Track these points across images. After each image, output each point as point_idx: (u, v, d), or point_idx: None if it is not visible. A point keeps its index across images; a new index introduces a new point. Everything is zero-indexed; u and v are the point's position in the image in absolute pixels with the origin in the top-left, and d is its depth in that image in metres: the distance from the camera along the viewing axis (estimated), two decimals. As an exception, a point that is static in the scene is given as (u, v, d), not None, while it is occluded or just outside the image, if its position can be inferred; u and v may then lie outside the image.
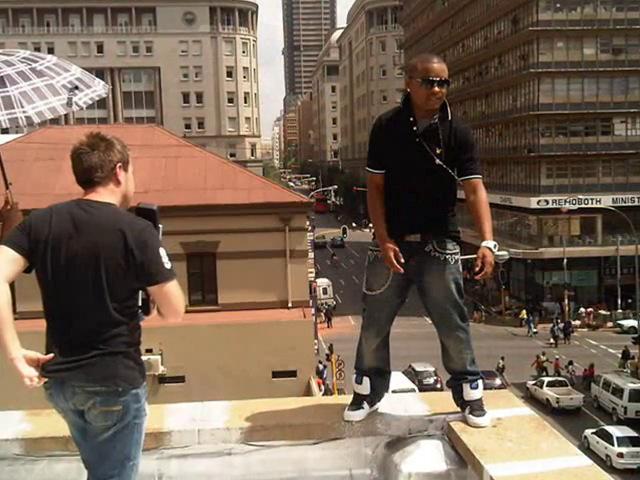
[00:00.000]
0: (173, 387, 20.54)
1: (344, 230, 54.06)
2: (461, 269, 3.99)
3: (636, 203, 50.38)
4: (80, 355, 2.94)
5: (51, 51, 79.63)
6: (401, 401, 4.27)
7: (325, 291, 52.57)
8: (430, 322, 4.10)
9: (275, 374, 21.26)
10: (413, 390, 25.38)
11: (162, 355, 20.80)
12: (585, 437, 27.89)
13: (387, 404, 4.13)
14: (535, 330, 46.39)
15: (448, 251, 3.89)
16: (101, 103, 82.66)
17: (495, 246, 3.72)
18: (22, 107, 3.43)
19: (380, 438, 3.95)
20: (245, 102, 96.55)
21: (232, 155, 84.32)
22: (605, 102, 51.66)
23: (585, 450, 24.42)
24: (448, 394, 4.09)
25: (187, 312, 3.35)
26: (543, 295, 52.07)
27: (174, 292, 3.01)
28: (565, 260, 48.59)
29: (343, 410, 3.99)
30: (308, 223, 27.34)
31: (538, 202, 51.30)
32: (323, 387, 29.42)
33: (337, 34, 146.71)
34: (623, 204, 49.68)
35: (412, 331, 38.48)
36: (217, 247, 22.22)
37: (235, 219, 22.03)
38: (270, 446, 3.89)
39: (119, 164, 3.11)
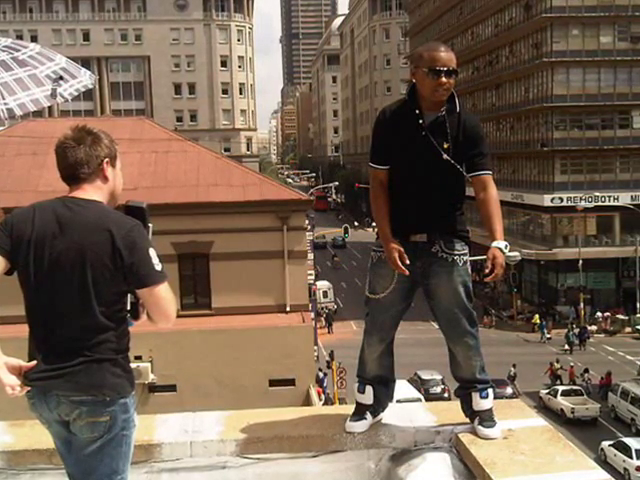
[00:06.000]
0: (164, 396, 20.55)
1: (345, 229, 53.98)
2: (470, 271, 3.99)
3: (656, 201, 50.42)
4: (65, 362, 2.93)
5: (34, 39, 79.66)
6: (406, 411, 4.27)
7: (325, 294, 52.59)
8: (437, 327, 4.10)
9: (272, 382, 21.28)
10: (419, 400, 25.38)
11: (152, 362, 20.80)
12: (602, 449, 27.88)
13: (391, 414, 4.13)
14: (549, 336, 46.39)
15: (456, 252, 3.89)
16: (87, 94, 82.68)
17: (506, 246, 3.72)
18: (3, 99, 3.42)
19: (384, 451, 3.95)
20: (240, 93, 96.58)
21: (226, 150, 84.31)
22: (623, 93, 51.64)
23: (602, 463, 24.41)
24: (456, 404, 4.09)
25: (179, 317, 3.35)
26: (557, 298, 52.04)
27: (165, 295, 3.00)
28: (580, 261, 48.54)
29: (344, 421, 4.00)
30: (307, 222, 27.33)
31: (552, 200, 51.28)
32: (323, 396, 29.46)
33: (338, 21, 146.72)
34: (642, 202, 49.72)
35: (418, 337, 38.52)
36: (210, 247, 22.23)
37: (230, 218, 22.04)
38: (267, 459, 3.89)
39: (106, 159, 3.10)
